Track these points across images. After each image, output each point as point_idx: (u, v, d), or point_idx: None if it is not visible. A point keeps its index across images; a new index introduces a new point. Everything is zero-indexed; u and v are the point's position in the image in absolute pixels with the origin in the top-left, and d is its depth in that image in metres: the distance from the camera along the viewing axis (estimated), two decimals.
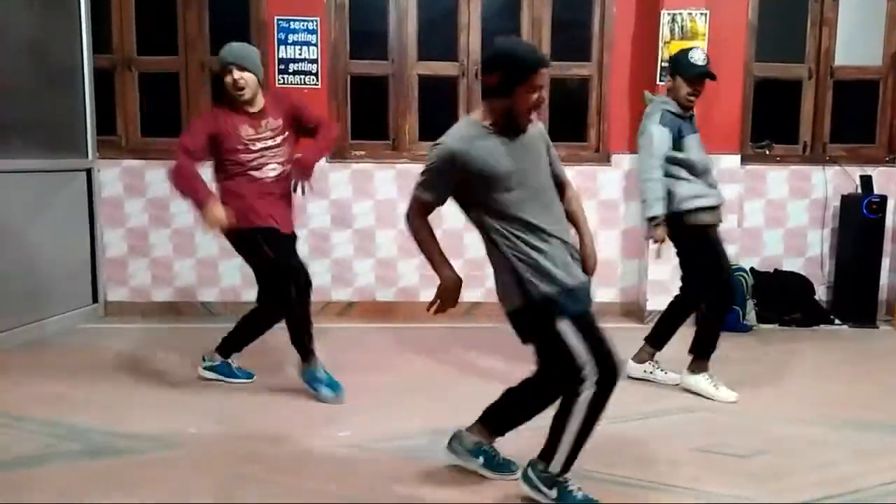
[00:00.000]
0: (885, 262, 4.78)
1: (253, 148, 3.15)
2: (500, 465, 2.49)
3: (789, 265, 4.90)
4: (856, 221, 4.66)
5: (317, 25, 4.57)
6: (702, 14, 4.45)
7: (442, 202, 2.32)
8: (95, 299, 4.72)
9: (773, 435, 2.86)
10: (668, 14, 4.46)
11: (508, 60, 2.19)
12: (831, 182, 4.85)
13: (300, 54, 4.57)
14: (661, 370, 3.50)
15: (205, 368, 3.46)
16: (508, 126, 2.26)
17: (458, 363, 3.80)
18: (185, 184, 3.08)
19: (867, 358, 4.02)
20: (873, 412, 3.14)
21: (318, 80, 4.59)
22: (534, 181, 2.28)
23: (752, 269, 4.75)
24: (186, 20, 4.70)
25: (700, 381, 3.33)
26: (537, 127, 2.38)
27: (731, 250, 4.66)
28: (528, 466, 2.31)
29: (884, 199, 4.64)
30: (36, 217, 4.24)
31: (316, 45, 4.57)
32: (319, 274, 4.77)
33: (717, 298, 3.34)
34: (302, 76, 4.58)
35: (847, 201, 4.75)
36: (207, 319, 4.70)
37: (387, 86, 4.82)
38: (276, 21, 4.55)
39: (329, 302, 4.81)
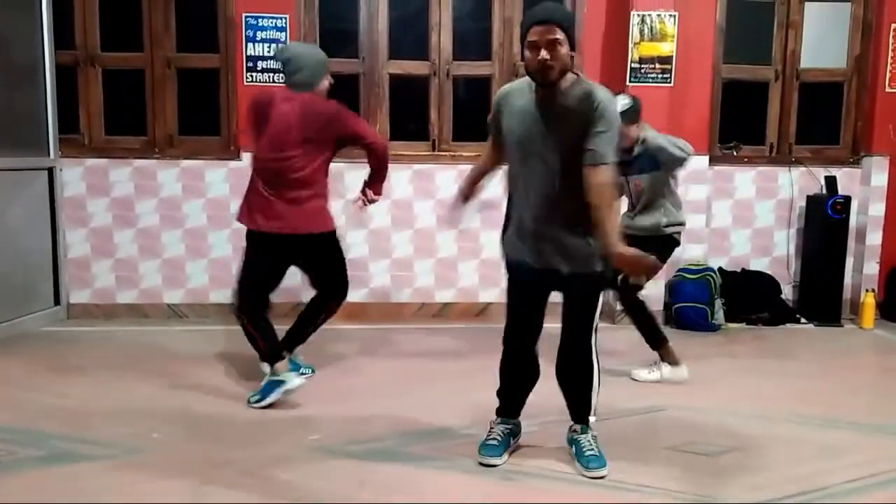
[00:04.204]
0: (849, 262, 4.88)
1: None
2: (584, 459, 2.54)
3: (756, 265, 4.97)
4: (821, 221, 4.74)
5: (286, 23, 4.51)
6: (671, 16, 4.49)
7: (496, 142, 2.50)
8: (58, 301, 4.60)
9: (741, 433, 2.89)
10: (638, 15, 4.48)
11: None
12: (797, 182, 4.93)
13: (269, 52, 4.50)
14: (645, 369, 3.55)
15: None
16: (538, 85, 2.31)
17: (429, 364, 3.78)
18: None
19: (832, 356, 4.10)
20: (839, 409, 3.19)
21: None
22: (535, 151, 2.33)
23: (719, 269, 4.80)
24: (152, 16, 4.60)
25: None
26: (591, 100, 2.27)
27: (699, 250, 4.74)
28: None
29: (847, 199, 4.73)
30: None
31: (285, 42, 4.50)
32: (289, 275, 4.71)
33: None
34: (271, 74, 4.51)
35: (812, 202, 4.83)
36: (174, 322, 4.62)
37: (357, 84, 4.78)
38: (244, 18, 4.48)
39: (299, 303, 4.74)
